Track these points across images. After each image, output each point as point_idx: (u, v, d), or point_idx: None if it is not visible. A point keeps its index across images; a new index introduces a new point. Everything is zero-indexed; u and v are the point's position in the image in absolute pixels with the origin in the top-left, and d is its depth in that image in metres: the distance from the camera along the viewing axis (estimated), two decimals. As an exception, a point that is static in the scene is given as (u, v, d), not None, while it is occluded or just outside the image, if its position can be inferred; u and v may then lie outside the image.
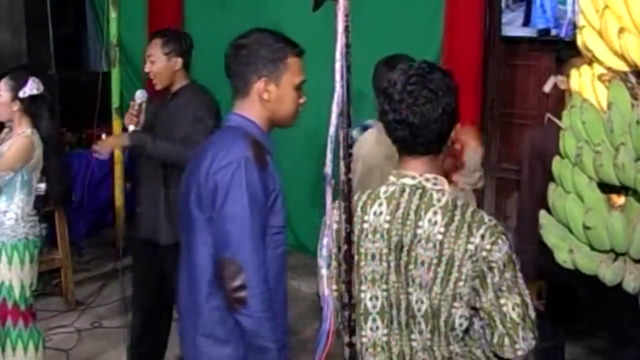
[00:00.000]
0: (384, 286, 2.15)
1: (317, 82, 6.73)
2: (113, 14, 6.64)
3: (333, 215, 1.63)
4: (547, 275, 3.66)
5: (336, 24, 1.38)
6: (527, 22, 5.52)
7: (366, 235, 2.16)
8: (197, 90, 4.24)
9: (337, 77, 1.40)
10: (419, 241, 2.08)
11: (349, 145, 1.47)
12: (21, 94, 3.99)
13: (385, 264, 2.14)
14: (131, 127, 4.05)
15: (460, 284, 2.06)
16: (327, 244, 1.53)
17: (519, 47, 5.89)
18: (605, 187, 1.79)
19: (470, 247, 2.04)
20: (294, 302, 5.58)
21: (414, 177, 2.14)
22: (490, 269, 2.05)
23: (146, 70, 4.08)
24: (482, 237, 2.05)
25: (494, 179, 6.16)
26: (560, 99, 3.67)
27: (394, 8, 5.51)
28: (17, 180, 3.98)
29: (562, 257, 1.82)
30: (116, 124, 6.69)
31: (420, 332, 2.13)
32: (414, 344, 2.15)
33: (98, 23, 8.27)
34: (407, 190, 2.14)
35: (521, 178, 3.93)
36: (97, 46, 8.46)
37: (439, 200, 2.11)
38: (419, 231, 2.08)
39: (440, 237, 2.06)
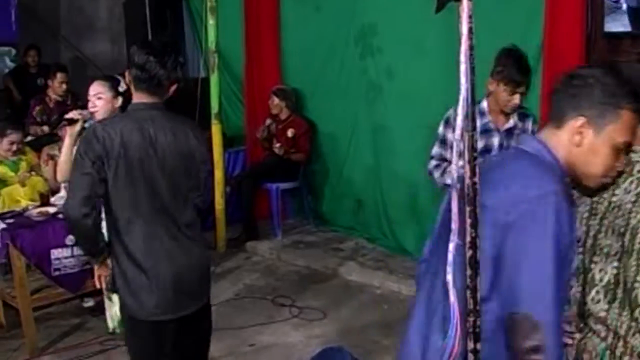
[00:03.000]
0: (616, 263, 2.11)
1: (417, 83, 6.58)
2: (211, 21, 6.76)
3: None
4: None
5: (460, 26, 1.38)
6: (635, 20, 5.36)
7: (612, 209, 2.14)
8: None
9: (462, 79, 1.39)
10: (613, 209, 2.08)
11: (474, 148, 1.46)
12: (120, 89, 4.12)
13: (621, 242, 2.11)
14: None
15: None
16: (452, 249, 1.51)
17: (622, 42, 5.71)
18: None
19: None
20: (394, 304, 5.59)
21: (636, 152, 2.14)
22: None
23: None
24: None
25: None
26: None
27: (494, 5, 5.43)
28: None
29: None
30: (215, 129, 6.83)
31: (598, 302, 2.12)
32: (625, 324, 2.09)
33: (196, 30, 8.44)
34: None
35: None
36: (195, 53, 8.65)
37: (639, 171, 2.09)
38: (614, 199, 2.09)
39: (629, 205, 2.03)
